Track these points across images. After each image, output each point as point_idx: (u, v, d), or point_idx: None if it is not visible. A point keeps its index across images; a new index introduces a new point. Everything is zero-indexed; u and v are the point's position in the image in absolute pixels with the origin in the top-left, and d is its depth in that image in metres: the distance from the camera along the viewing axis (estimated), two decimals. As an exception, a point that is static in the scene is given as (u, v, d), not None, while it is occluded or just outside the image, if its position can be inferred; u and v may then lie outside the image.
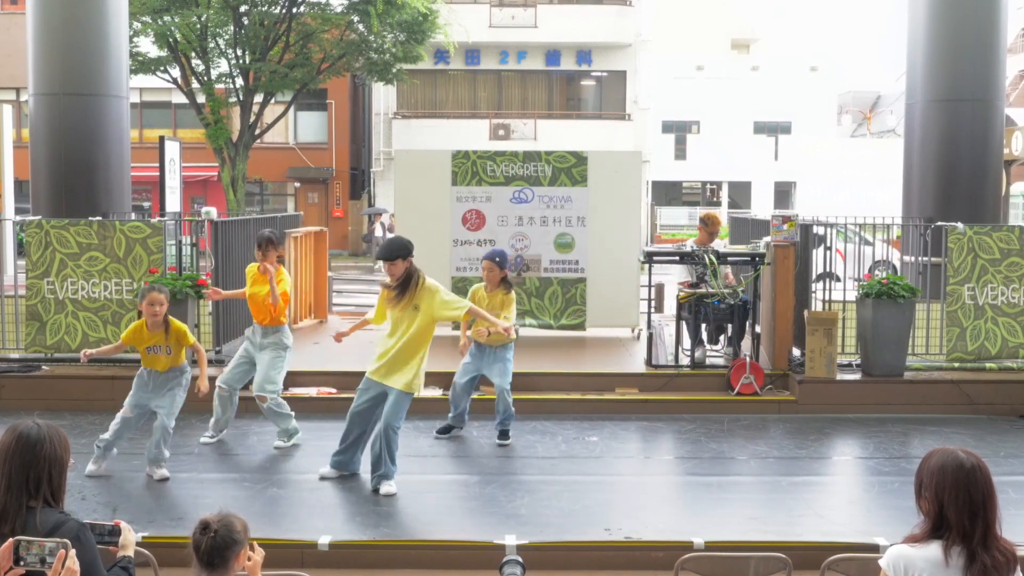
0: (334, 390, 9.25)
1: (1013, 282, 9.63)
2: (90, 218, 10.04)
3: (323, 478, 6.94)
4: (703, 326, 9.81)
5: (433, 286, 6.70)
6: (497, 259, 7.86)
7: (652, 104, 36.39)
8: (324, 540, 5.74)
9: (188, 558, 3.21)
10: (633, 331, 11.70)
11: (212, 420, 7.92)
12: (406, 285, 6.64)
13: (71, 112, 12.35)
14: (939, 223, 10.24)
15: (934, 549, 3.02)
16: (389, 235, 27.98)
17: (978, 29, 12.43)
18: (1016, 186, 26.32)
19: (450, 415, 8.20)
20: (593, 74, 35.79)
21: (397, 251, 6.64)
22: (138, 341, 6.89)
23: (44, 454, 3.12)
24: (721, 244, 10.72)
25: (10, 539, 2.85)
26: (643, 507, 6.54)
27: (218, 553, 3.16)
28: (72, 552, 2.85)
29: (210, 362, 9.57)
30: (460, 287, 11.42)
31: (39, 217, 10.52)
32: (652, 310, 10.35)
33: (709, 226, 10.30)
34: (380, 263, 6.81)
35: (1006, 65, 13.54)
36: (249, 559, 3.30)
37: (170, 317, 6.94)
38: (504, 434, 7.97)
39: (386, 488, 6.65)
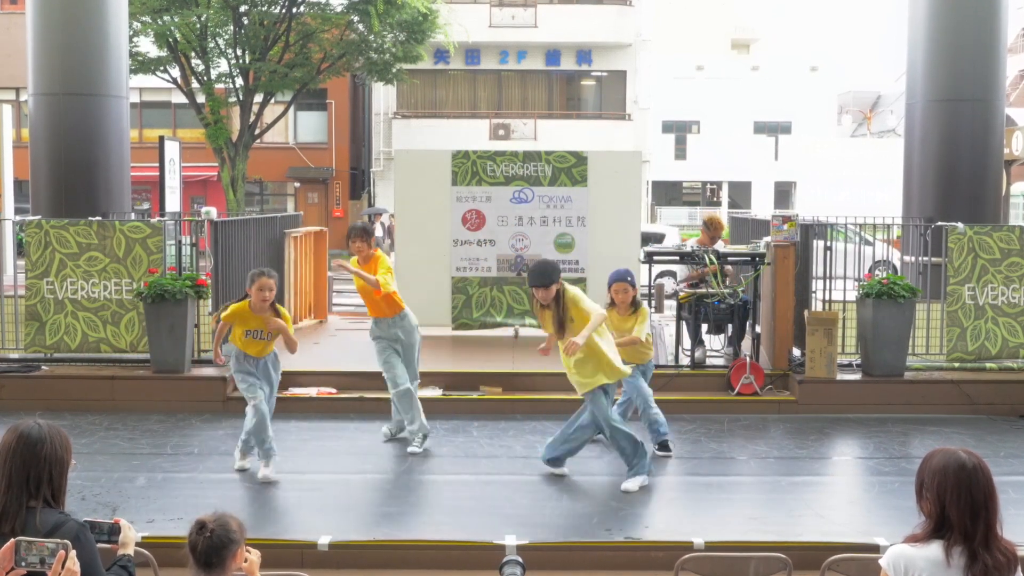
0: (334, 390, 9.25)
1: (1013, 282, 9.62)
2: (90, 218, 10.04)
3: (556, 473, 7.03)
4: (703, 326, 9.81)
5: (575, 295, 6.70)
6: (630, 279, 7.57)
7: (652, 104, 36.40)
8: (324, 540, 5.73)
9: (186, 558, 3.20)
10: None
11: (411, 427, 7.74)
12: (556, 304, 6.63)
13: (71, 112, 12.35)
14: (939, 223, 10.24)
15: (935, 549, 3.02)
16: (388, 236, 28.04)
17: (978, 29, 12.43)
18: (1016, 186, 26.31)
19: (661, 431, 7.77)
20: (593, 74, 35.80)
21: (552, 276, 6.61)
22: (240, 322, 6.83)
23: (45, 454, 3.12)
24: (721, 245, 10.72)
25: (11, 540, 2.85)
26: (643, 507, 6.53)
27: (215, 553, 3.16)
28: (72, 553, 2.85)
29: (210, 363, 9.59)
30: (460, 287, 11.43)
31: (39, 217, 10.52)
32: (652, 310, 10.35)
33: (711, 230, 10.29)
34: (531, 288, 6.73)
35: (1006, 65, 13.54)
36: (246, 560, 3.30)
37: (276, 303, 6.92)
38: (664, 445, 7.73)
39: (626, 485, 6.72)
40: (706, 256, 9.60)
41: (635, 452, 6.80)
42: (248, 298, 6.85)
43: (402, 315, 7.74)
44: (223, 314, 7.07)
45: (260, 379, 7.04)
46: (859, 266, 10.95)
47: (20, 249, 10.48)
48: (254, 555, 3.36)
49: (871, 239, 14.75)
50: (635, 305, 7.57)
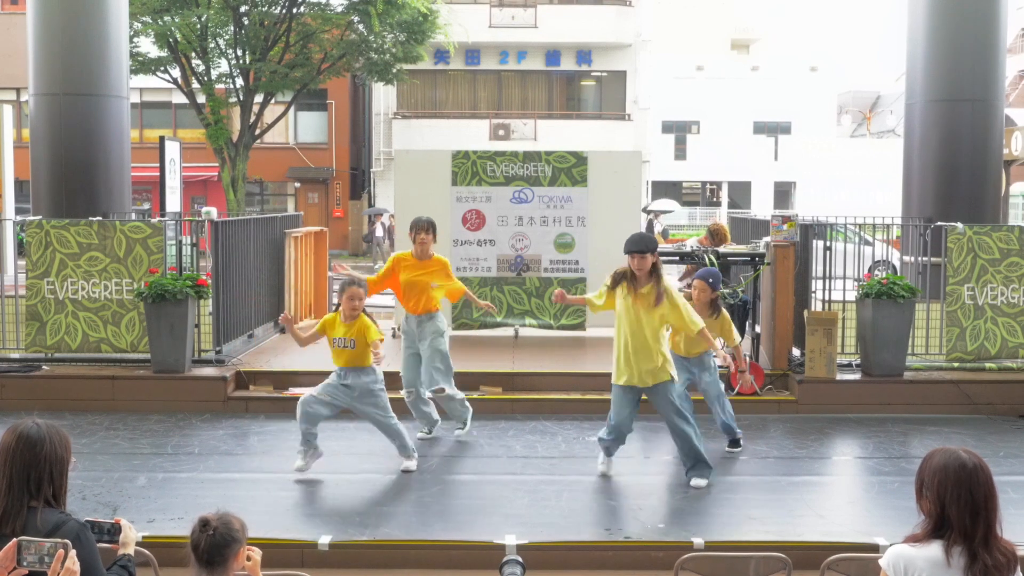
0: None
1: (1013, 282, 9.63)
2: (90, 218, 10.04)
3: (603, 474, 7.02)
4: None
5: (671, 285, 6.72)
6: (711, 280, 7.58)
7: (652, 104, 36.41)
8: (324, 540, 5.74)
9: (187, 558, 3.21)
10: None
11: (425, 428, 7.99)
12: (652, 276, 6.62)
13: (71, 112, 12.36)
14: (939, 223, 10.24)
15: (935, 549, 3.02)
16: (389, 236, 28.03)
17: (978, 29, 12.44)
18: (1016, 186, 26.32)
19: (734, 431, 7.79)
20: (593, 74, 35.81)
21: (651, 244, 6.66)
22: (330, 330, 6.88)
23: (45, 454, 3.12)
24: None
25: (13, 540, 2.85)
26: (643, 507, 6.54)
27: (217, 551, 3.16)
28: (72, 553, 2.85)
29: (210, 362, 9.60)
30: (460, 287, 11.43)
31: (39, 217, 10.52)
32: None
33: (715, 239, 10.29)
34: (629, 255, 6.63)
35: (1006, 65, 13.55)
36: (249, 559, 3.30)
37: (362, 312, 6.91)
38: (735, 443, 7.77)
39: (696, 482, 6.76)
40: (706, 256, 9.60)
41: (701, 454, 6.87)
42: (339, 308, 6.91)
43: (427, 316, 7.79)
44: (319, 324, 7.06)
45: (346, 394, 6.90)
46: (859, 266, 10.95)
47: (21, 249, 10.49)
48: (256, 554, 3.36)
49: (871, 239, 14.75)
50: (715, 309, 7.58)
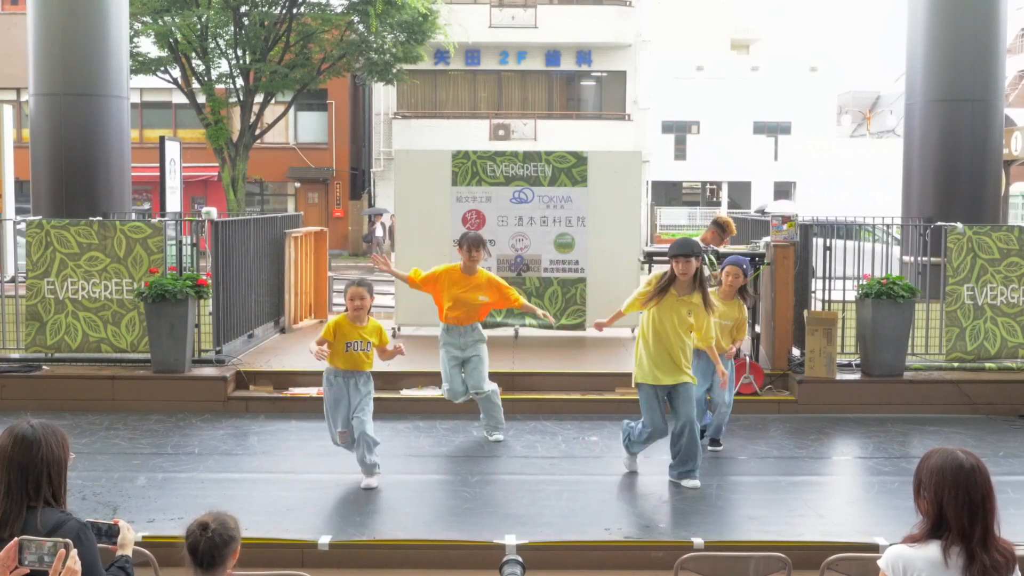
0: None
1: (1012, 282, 9.63)
2: (90, 218, 10.05)
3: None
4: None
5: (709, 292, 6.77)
6: (745, 266, 7.69)
7: (652, 104, 36.39)
8: (324, 540, 5.74)
9: (183, 558, 3.21)
10: (633, 331, 11.67)
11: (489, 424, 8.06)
12: (695, 281, 6.67)
13: (71, 112, 12.36)
14: (939, 223, 10.25)
15: (933, 549, 3.03)
16: (389, 236, 28.03)
17: (978, 29, 12.44)
18: (1016, 186, 26.32)
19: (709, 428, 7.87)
20: (593, 74, 35.80)
21: (696, 249, 6.70)
22: (339, 336, 6.71)
23: (42, 456, 3.12)
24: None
25: (14, 539, 2.85)
26: (643, 507, 6.54)
27: (217, 552, 3.16)
28: (73, 552, 2.85)
29: (210, 362, 9.61)
30: (460, 287, 11.43)
31: (39, 217, 10.53)
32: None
33: (723, 231, 10.28)
34: (676, 259, 6.66)
35: (1006, 65, 13.56)
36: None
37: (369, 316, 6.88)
38: (715, 441, 7.85)
39: (691, 483, 6.80)
40: (706, 256, 9.58)
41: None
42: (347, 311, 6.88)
43: (471, 326, 7.94)
44: (325, 331, 6.89)
45: (350, 402, 6.79)
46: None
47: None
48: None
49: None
50: (743, 297, 7.69)
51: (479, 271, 7.93)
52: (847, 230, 11.24)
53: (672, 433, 6.86)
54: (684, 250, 6.67)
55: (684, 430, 6.79)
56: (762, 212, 10.02)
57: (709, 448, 7.75)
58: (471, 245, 7.83)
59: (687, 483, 6.82)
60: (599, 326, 7.21)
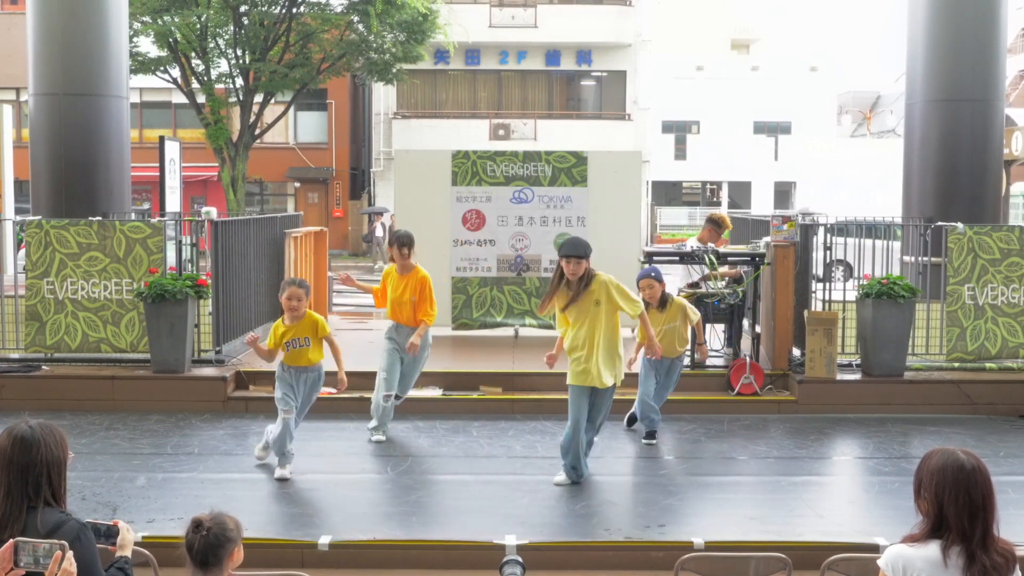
0: (334, 390, 9.23)
1: (1013, 282, 9.62)
2: (90, 218, 10.04)
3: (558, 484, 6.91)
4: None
5: (607, 278, 6.72)
6: (654, 275, 7.95)
7: (652, 104, 36.39)
8: (324, 540, 5.73)
9: (182, 558, 3.20)
10: (633, 331, 11.68)
11: (373, 424, 8.01)
12: (584, 283, 6.66)
13: (71, 112, 12.35)
14: (939, 223, 10.24)
15: (933, 549, 3.02)
16: (389, 236, 28.01)
17: (978, 29, 12.43)
18: (1016, 186, 26.32)
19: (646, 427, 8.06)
20: (593, 74, 35.79)
21: (584, 249, 6.66)
22: (279, 338, 6.94)
23: (41, 457, 3.11)
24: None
25: (11, 540, 2.85)
26: (643, 507, 6.53)
27: (212, 551, 3.16)
28: (70, 554, 2.85)
29: (210, 363, 9.60)
30: (460, 287, 11.44)
31: (39, 217, 10.52)
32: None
33: (721, 227, 10.33)
34: (562, 259, 6.70)
35: (1006, 65, 13.55)
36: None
37: (307, 310, 7.00)
38: (651, 435, 8.04)
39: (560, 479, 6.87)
40: (706, 256, 9.59)
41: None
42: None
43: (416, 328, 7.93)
44: (267, 342, 7.13)
45: (296, 393, 7.03)
46: (860, 265, 10.96)
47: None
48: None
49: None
50: (665, 302, 7.95)
51: (415, 269, 7.92)
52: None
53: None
54: (574, 251, 6.64)
55: (591, 432, 6.96)
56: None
57: (644, 441, 7.99)
58: (399, 243, 7.87)
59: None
60: (551, 360, 6.96)
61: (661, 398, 8.13)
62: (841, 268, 11.29)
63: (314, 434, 8.02)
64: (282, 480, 6.89)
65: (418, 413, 8.83)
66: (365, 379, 9.01)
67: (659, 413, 8.04)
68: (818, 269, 10.02)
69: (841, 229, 11.48)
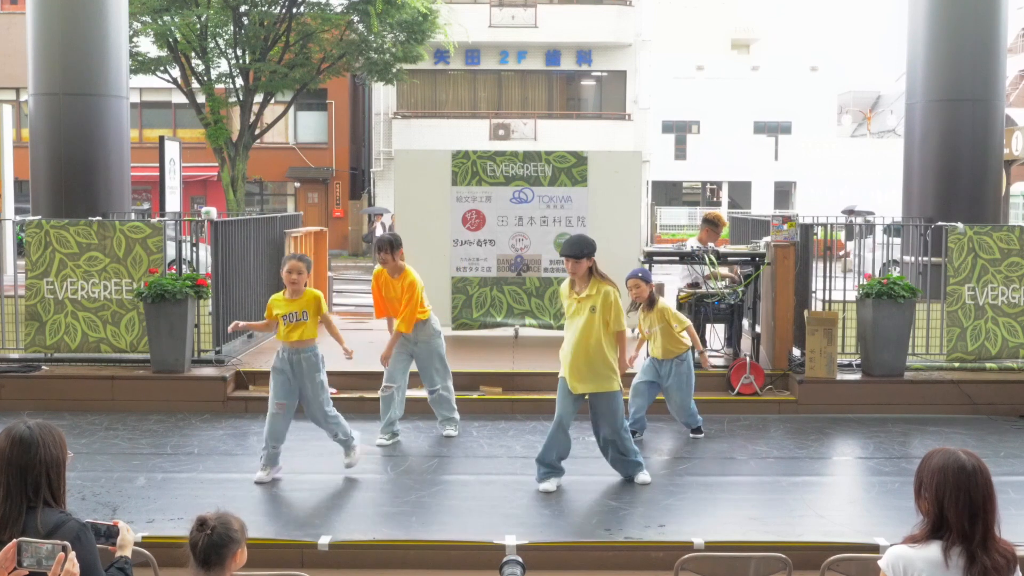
0: (334, 390, 9.22)
1: (1013, 282, 9.62)
2: (90, 218, 10.04)
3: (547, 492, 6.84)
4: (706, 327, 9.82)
5: (614, 296, 6.66)
6: (641, 275, 7.89)
7: (652, 104, 36.39)
8: (324, 540, 5.73)
9: (186, 558, 3.20)
10: (633, 331, 11.67)
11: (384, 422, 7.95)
12: (587, 281, 6.66)
13: (71, 112, 12.34)
14: (939, 223, 10.24)
15: (934, 550, 3.02)
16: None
17: (978, 29, 12.42)
18: (1016, 186, 26.33)
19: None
20: (593, 74, 35.80)
21: (583, 248, 6.64)
22: (276, 307, 6.90)
23: (40, 458, 3.11)
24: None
25: (13, 541, 2.85)
26: (643, 507, 6.53)
27: (215, 551, 3.15)
28: (72, 554, 2.84)
29: (210, 363, 9.60)
30: (460, 287, 11.43)
31: (39, 217, 10.52)
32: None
33: (718, 226, 10.34)
34: (562, 259, 6.75)
35: (1006, 65, 13.53)
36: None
37: (307, 287, 7.00)
38: (697, 430, 8.17)
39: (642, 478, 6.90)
40: (706, 257, 9.58)
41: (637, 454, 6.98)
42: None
43: (420, 324, 7.88)
44: (265, 315, 7.11)
45: (292, 387, 6.94)
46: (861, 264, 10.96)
47: (20, 249, 10.48)
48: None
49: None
50: (652, 302, 7.89)
51: (405, 272, 7.82)
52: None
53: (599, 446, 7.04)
54: (569, 251, 6.66)
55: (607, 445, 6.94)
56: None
57: (691, 435, 8.14)
58: (380, 247, 7.83)
59: (639, 479, 6.90)
60: (630, 362, 7.07)
61: (686, 403, 8.05)
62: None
63: (314, 434, 8.01)
64: (260, 483, 6.83)
65: (418, 413, 8.82)
66: (365, 379, 9.02)
67: (695, 411, 8.13)
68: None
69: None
